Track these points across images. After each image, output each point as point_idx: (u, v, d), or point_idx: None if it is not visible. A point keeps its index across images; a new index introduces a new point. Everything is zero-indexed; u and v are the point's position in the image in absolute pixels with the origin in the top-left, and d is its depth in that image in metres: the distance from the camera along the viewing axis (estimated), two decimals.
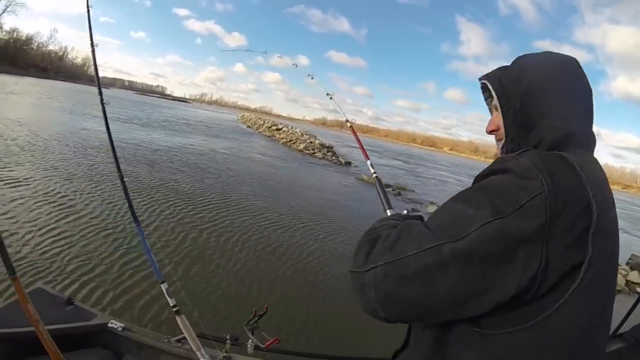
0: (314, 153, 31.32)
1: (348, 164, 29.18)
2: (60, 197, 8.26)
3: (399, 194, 20.08)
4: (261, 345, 2.27)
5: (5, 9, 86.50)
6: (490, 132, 1.16)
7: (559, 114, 1.01)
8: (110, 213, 7.86)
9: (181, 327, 2.38)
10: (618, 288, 11.25)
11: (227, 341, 2.44)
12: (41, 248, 5.89)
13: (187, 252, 6.81)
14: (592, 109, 1.07)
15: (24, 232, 6.26)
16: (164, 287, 2.44)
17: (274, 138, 40.75)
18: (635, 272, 12.56)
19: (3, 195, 7.70)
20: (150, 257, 2.54)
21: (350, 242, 9.42)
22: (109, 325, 2.58)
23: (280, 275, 6.77)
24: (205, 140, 27.37)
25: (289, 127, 46.61)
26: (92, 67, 2.84)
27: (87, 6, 2.66)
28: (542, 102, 1.02)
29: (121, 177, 2.71)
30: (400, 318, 0.92)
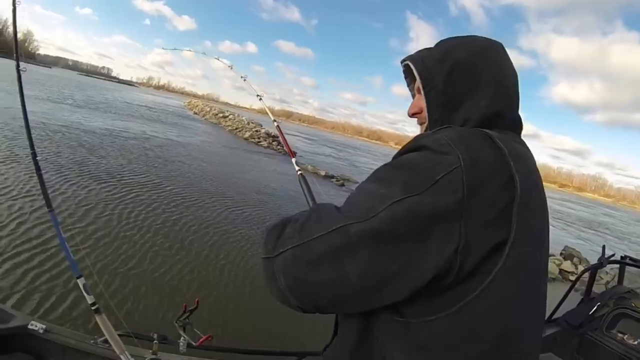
0: (259, 142, 31.40)
1: (294, 153, 29.14)
2: None
3: (343, 185, 20.18)
4: (193, 343, 2.14)
5: None
6: (412, 115, 1.13)
7: (486, 94, 0.98)
8: (23, 198, 7.31)
9: (101, 327, 2.18)
10: (552, 276, 12.07)
11: (155, 341, 2.28)
12: None
13: (108, 243, 6.44)
14: (519, 94, 1.05)
15: None
16: (80, 282, 2.24)
17: (220, 125, 41.02)
18: (568, 262, 13.48)
19: None
20: (65, 248, 2.32)
21: None
22: (30, 327, 2.33)
23: (212, 266, 6.60)
24: (147, 125, 26.93)
25: (236, 115, 46.54)
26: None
27: None
28: (468, 81, 0.99)
29: (34, 155, 2.45)
30: (313, 306, 0.87)
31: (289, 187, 15.54)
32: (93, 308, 2.20)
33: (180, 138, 23.89)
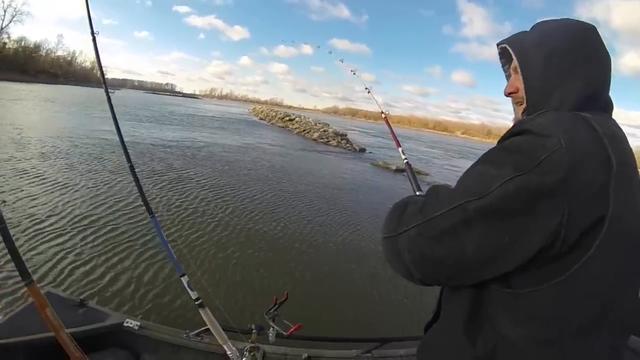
0: (329, 141, 31.46)
1: (362, 150, 29.20)
2: (72, 193, 8.37)
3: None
4: (284, 333, 2.24)
5: (12, 19, 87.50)
6: (508, 95, 1.16)
7: (581, 76, 1.00)
8: (124, 207, 7.87)
9: (205, 320, 2.33)
10: None
11: (253, 331, 2.42)
12: (54, 248, 5.88)
13: (204, 243, 6.81)
14: (610, 76, 1.06)
15: (33, 231, 6.29)
16: (184, 280, 2.39)
17: (287, 129, 41.08)
18: None
19: (22, 192, 7.84)
20: (168, 250, 2.50)
21: (368, 224, 9.52)
22: (125, 324, 2.54)
23: (299, 260, 6.77)
24: (220, 135, 27.52)
25: (302, 117, 46.60)
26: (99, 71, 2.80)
27: None
28: (564, 65, 1.01)
29: (131, 168, 2.64)
30: (434, 279, 0.94)
31: (367, 181, 15.84)
32: (197, 303, 2.33)
33: (253, 143, 24.40)
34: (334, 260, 7.02)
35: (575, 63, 1.01)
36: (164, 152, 15.97)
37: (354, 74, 3.41)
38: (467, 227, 0.85)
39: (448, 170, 28.71)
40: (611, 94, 1.03)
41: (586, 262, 0.83)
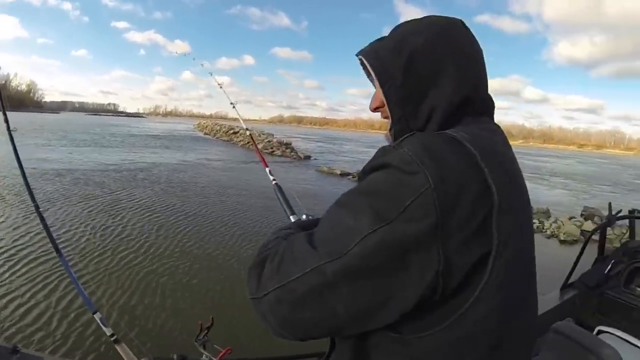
0: (273, 151, 31.82)
1: (307, 157, 29.57)
2: None
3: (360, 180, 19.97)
4: (213, 359, 2.15)
5: None
6: (374, 110, 1.03)
7: (449, 79, 0.91)
8: (32, 246, 7.54)
9: (123, 355, 2.27)
10: (574, 239, 12.13)
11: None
12: None
13: (118, 275, 6.63)
14: (486, 72, 0.99)
15: None
16: (97, 317, 2.34)
17: (232, 142, 41.40)
18: (589, 222, 13.52)
19: None
20: (78, 287, 2.45)
21: None
22: None
23: (221, 283, 6.69)
24: (162, 154, 27.40)
25: (245, 130, 46.59)
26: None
27: None
28: (428, 70, 0.92)
29: (36, 207, 2.60)
30: (309, 337, 0.86)
31: (310, 188, 16.24)
32: (112, 339, 2.28)
33: (195, 159, 24.37)
34: None
35: (441, 66, 0.92)
36: (101, 176, 15.79)
37: (221, 87, 3.46)
38: (330, 289, 0.77)
39: None
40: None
41: (472, 304, 0.76)
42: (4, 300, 5.53)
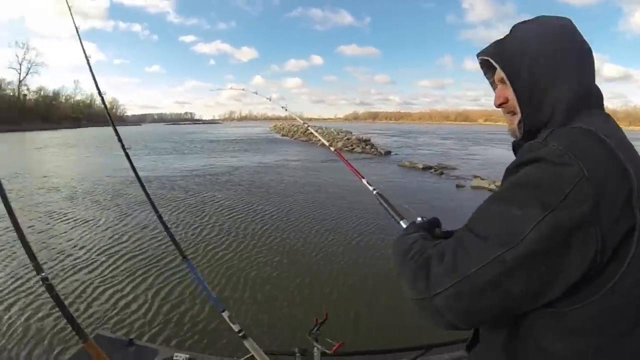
0: (353, 148, 31.79)
1: (388, 153, 29.28)
2: (110, 246, 8.43)
3: (442, 174, 19.76)
4: (327, 352, 2.28)
5: (28, 71, 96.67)
6: (499, 106, 1.15)
7: (570, 76, 1.01)
8: (159, 252, 7.90)
9: (250, 350, 2.40)
10: None
11: (297, 354, 2.47)
12: (99, 297, 6.07)
13: (239, 275, 6.86)
14: (594, 67, 1.07)
15: (79, 284, 6.45)
16: (225, 315, 2.45)
17: (311, 142, 41.23)
18: None
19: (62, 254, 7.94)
20: (206, 289, 2.57)
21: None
22: (174, 358, 2.62)
23: (334, 278, 6.79)
24: (236, 157, 28.14)
25: (324, 129, 46.62)
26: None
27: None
28: (551, 68, 1.01)
29: (160, 217, 2.78)
30: (481, 323, 1.00)
31: (394, 183, 16.12)
32: (240, 335, 2.40)
33: (272, 162, 24.74)
34: (366, 274, 7.01)
35: (562, 63, 1.01)
36: (185, 180, 16.52)
37: (286, 110, 3.64)
38: (509, 276, 0.85)
39: (470, 159, 28.60)
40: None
41: (622, 275, 0.85)
42: (138, 302, 5.88)
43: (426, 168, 20.61)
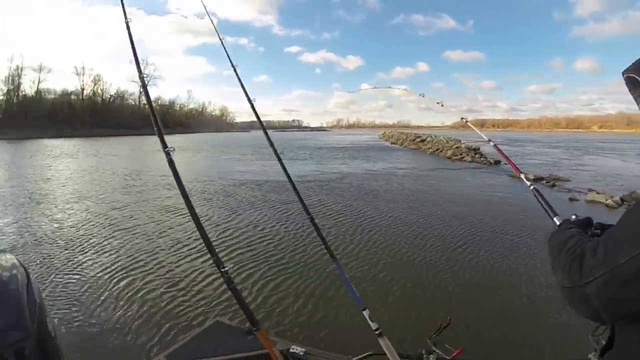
0: (463, 157, 31.38)
1: (497, 162, 28.44)
2: (264, 243, 9.11)
3: (554, 185, 19.14)
4: (447, 357, 2.39)
5: (148, 83, 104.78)
6: None
7: None
8: (309, 252, 8.35)
9: (384, 348, 2.48)
10: None
11: (424, 356, 2.50)
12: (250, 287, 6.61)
13: (380, 276, 7.11)
14: None
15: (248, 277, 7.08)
16: (366, 313, 2.57)
17: (420, 150, 41.21)
18: None
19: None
20: (350, 288, 2.70)
21: (529, 239, 9.41)
22: (291, 350, 2.75)
23: (461, 284, 6.85)
24: (345, 164, 28.55)
25: (433, 137, 46.13)
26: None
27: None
28: None
29: (311, 219, 2.97)
30: (622, 316, 1.00)
31: (512, 196, 15.49)
32: (377, 332, 2.51)
33: (381, 169, 24.99)
34: (495, 279, 7.06)
35: None
36: (299, 187, 16.58)
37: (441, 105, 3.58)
38: None
39: (581, 170, 27.21)
40: None
41: None
42: (280, 296, 6.35)
43: (537, 179, 19.90)
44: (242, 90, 3.08)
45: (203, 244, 6.65)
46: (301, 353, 2.72)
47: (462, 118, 3.50)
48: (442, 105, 3.57)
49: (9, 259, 1.44)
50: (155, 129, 2.01)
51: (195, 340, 2.92)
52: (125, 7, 2.42)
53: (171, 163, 1.95)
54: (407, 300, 6.22)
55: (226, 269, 1.89)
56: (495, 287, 6.77)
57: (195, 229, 1.95)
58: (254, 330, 1.99)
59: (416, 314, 5.75)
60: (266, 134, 3.30)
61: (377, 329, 2.53)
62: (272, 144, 3.19)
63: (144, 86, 2.20)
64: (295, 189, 3.10)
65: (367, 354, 2.63)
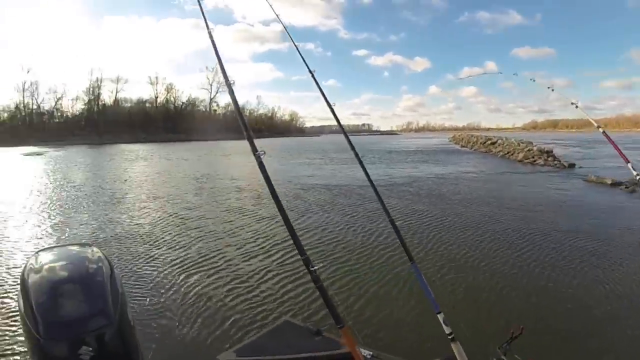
0: (535, 160, 30.30)
1: (571, 166, 27.48)
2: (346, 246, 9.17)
3: (634, 191, 17.61)
4: None
5: (218, 90, 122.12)
6: None
7: None
8: (383, 253, 8.41)
9: (455, 353, 2.52)
10: None
11: None
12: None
13: (452, 280, 7.07)
14: None
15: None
16: (440, 317, 2.61)
17: (491, 153, 40.59)
18: None
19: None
20: (426, 290, 2.73)
21: (614, 248, 8.87)
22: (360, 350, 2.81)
23: (538, 294, 6.56)
24: (416, 168, 28.30)
25: (504, 139, 45.26)
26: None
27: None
28: None
29: (392, 221, 3.04)
30: None
31: (584, 199, 15.28)
32: (450, 337, 2.55)
33: (451, 172, 24.67)
34: (572, 290, 6.73)
35: None
36: (360, 189, 16.80)
37: (552, 90, 3.52)
38: None
39: None
40: None
41: None
42: (348, 295, 6.41)
43: (615, 184, 19.10)
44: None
45: (270, 244, 7.11)
46: (368, 356, 2.69)
47: (572, 103, 3.44)
48: (577, 107, 3.55)
49: (95, 252, 1.63)
50: (244, 133, 2.22)
51: (264, 338, 3.01)
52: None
53: (261, 166, 2.11)
54: (480, 305, 6.14)
55: (315, 268, 1.97)
56: (572, 298, 6.51)
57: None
58: (338, 327, 2.01)
59: (488, 319, 5.68)
60: (347, 137, 3.53)
61: (450, 334, 2.56)
62: (353, 147, 3.42)
63: (231, 92, 2.32)
64: (376, 191, 3.21)
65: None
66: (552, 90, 3.33)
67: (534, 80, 3.66)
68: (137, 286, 6.77)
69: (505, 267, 7.73)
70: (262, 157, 2.11)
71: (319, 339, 2.87)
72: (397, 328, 5.48)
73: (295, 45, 3.84)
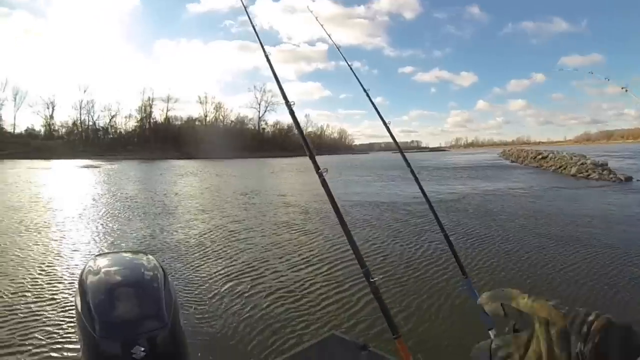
0: (589, 175, 29.35)
1: (629, 179, 26.55)
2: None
3: None
4: None
5: (266, 109, 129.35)
6: None
7: None
8: (437, 267, 8.38)
9: None
10: None
11: None
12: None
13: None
14: None
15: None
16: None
17: (542, 167, 39.79)
18: None
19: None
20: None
21: None
22: None
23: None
24: (465, 184, 28.04)
25: (555, 153, 44.32)
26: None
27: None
28: None
29: (446, 236, 3.07)
30: None
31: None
32: None
33: (500, 188, 24.38)
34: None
35: None
36: (409, 205, 16.62)
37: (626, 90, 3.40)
38: None
39: None
40: None
41: None
42: (409, 312, 6.35)
43: None
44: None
45: (317, 257, 7.04)
46: None
47: None
48: None
49: (151, 259, 1.73)
50: (307, 152, 2.43)
51: (309, 350, 2.98)
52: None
53: (324, 183, 2.25)
54: None
55: (374, 280, 2.07)
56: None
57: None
58: (393, 337, 2.12)
59: None
60: (403, 155, 3.74)
61: None
62: (409, 164, 3.65)
63: (291, 113, 2.56)
64: (431, 206, 3.34)
65: None
66: (626, 90, 3.19)
67: (608, 80, 3.54)
68: (185, 292, 6.98)
69: (559, 286, 7.51)
70: (324, 174, 2.25)
71: (365, 354, 2.82)
72: (447, 339, 5.49)
73: (348, 65, 3.90)
